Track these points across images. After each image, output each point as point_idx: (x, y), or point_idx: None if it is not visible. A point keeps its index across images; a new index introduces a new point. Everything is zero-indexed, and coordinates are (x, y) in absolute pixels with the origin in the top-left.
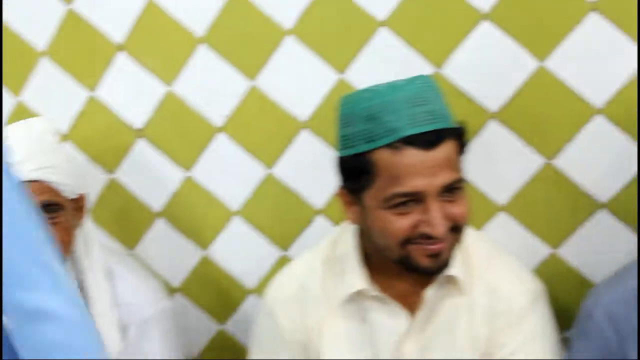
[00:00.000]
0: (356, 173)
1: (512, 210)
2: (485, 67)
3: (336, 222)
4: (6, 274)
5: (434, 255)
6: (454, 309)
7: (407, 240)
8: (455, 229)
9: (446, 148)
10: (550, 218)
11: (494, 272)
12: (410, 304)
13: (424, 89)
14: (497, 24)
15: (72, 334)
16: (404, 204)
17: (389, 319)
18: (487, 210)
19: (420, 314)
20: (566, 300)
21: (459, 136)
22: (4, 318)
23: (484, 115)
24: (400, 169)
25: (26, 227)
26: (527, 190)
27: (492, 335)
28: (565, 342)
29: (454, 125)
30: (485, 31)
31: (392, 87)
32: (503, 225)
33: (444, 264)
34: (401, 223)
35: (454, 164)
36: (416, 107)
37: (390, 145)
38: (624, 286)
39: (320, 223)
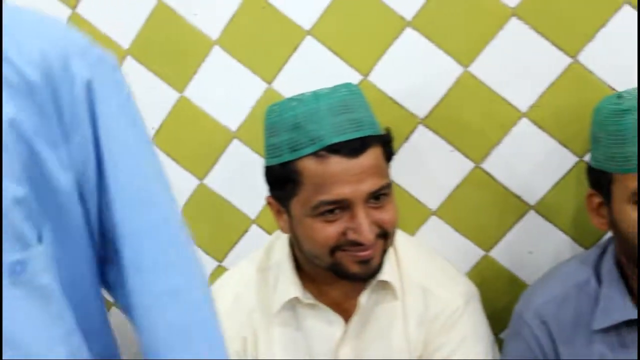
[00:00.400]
0: (283, 182)
1: (444, 215)
2: (412, 73)
3: (270, 231)
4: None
5: (364, 262)
6: (388, 313)
7: (336, 248)
8: (384, 235)
9: (371, 155)
10: (481, 221)
11: (427, 276)
12: (345, 310)
13: (348, 97)
14: (420, 31)
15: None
16: (331, 211)
17: (324, 326)
18: (419, 215)
19: (355, 319)
20: (500, 301)
21: (384, 143)
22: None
23: (412, 121)
24: (326, 177)
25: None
26: (458, 194)
27: (427, 338)
28: (500, 343)
29: (380, 132)
30: (410, 38)
31: (316, 96)
32: (435, 230)
33: (375, 270)
34: (329, 231)
35: (380, 171)
36: (340, 115)
37: (315, 154)
38: (553, 288)
39: (255, 232)
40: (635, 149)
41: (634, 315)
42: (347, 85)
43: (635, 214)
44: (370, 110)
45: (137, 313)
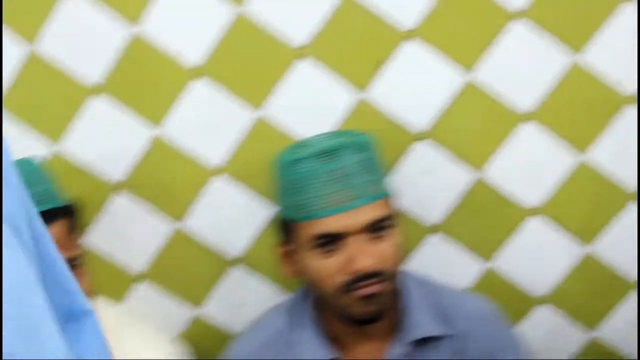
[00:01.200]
0: None
1: (152, 278)
2: (104, 141)
3: None
4: None
5: None
6: None
7: None
8: None
9: (55, 228)
10: (187, 281)
11: (126, 345)
12: None
13: (27, 173)
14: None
15: None
16: None
17: None
18: (124, 281)
19: None
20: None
21: (69, 214)
22: None
23: (107, 188)
24: None
25: None
26: (162, 256)
27: None
28: None
29: (62, 204)
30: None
31: None
32: (144, 295)
33: None
34: None
35: (65, 243)
36: None
37: None
38: (252, 338)
39: None
40: (308, 196)
41: (328, 357)
42: (27, 160)
43: (313, 260)
44: (52, 183)
45: None
